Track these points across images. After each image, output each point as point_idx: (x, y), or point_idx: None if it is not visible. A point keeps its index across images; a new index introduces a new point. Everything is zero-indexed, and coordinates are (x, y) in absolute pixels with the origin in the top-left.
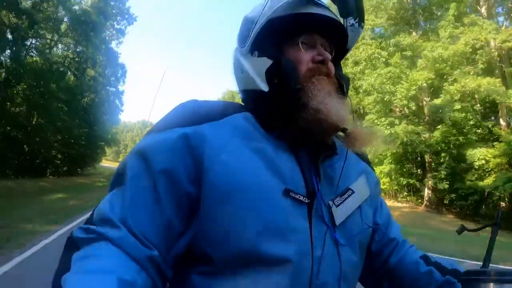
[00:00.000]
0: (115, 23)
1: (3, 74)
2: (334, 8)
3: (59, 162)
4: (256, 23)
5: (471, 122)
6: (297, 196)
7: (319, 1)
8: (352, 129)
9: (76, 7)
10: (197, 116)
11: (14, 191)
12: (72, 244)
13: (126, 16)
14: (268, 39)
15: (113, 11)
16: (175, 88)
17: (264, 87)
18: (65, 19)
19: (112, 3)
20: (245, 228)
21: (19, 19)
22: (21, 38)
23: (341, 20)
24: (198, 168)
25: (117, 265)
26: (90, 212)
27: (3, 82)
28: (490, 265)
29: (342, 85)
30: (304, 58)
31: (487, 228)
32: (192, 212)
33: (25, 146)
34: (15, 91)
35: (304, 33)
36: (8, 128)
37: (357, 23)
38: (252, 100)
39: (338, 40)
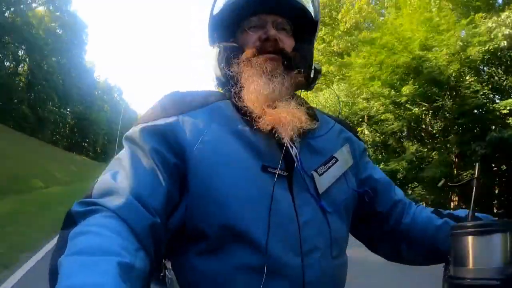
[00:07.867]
0: None
1: None
2: None
3: None
4: (210, 17)
5: None
6: (274, 171)
7: None
8: (265, 109)
9: None
10: (181, 106)
11: None
12: (70, 220)
13: None
14: (223, 30)
15: None
16: None
17: (220, 75)
18: None
19: None
20: (231, 202)
21: None
22: None
23: None
24: (180, 148)
25: (115, 243)
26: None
27: None
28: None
29: (290, 58)
30: (251, 39)
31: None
32: (182, 184)
33: None
34: None
35: (253, 16)
36: None
37: None
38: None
39: (293, 14)
